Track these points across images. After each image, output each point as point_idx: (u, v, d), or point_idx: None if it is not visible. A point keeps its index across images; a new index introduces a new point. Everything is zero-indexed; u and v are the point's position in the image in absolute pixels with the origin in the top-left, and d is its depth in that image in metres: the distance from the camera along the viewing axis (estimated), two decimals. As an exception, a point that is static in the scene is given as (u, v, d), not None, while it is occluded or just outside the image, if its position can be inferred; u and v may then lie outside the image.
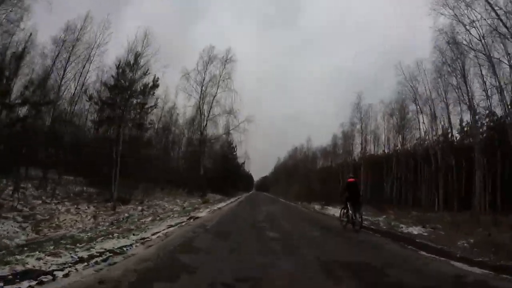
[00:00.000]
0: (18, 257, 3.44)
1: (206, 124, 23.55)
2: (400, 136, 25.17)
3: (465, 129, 19.44)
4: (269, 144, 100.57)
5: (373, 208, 21.05)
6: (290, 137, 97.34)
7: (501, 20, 11.82)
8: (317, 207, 21.69)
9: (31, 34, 12.86)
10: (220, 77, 24.07)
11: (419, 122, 21.80)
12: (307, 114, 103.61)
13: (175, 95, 24.68)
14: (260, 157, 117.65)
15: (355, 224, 8.17)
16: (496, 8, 11.97)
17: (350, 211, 8.42)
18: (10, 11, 11.11)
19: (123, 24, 56.15)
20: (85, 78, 15.97)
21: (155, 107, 15.52)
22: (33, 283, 2.55)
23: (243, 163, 39.47)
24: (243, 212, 13.27)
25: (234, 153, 35.55)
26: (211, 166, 35.41)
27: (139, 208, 10.93)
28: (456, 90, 16.25)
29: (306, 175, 42.70)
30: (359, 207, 8.39)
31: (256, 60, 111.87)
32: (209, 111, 23.75)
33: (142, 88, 13.57)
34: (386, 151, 28.06)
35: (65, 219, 8.71)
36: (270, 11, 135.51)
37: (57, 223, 8.28)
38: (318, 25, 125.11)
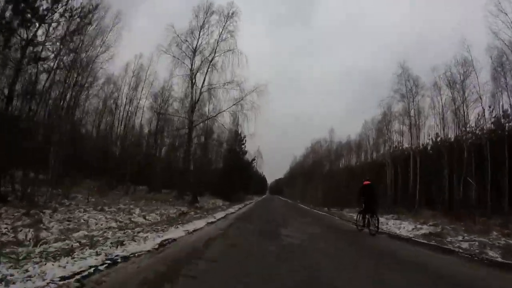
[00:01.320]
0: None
1: (199, 99, 17.05)
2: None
3: None
4: (284, 146, 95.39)
5: (446, 216, 14.09)
6: (307, 139, 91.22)
7: None
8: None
9: None
10: (220, 36, 17.51)
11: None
12: (322, 115, 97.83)
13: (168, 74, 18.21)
14: (274, 159, 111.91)
15: (371, 228, 8.13)
16: None
17: (367, 215, 8.35)
18: None
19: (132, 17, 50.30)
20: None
21: (79, 33, 8.98)
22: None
23: (254, 159, 32.77)
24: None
25: (243, 146, 28.89)
26: (215, 163, 29.30)
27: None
28: None
29: (329, 174, 35.56)
30: (376, 210, 8.38)
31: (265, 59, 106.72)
32: (204, 81, 17.30)
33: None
34: (440, 138, 20.87)
35: None
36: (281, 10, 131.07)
37: None
38: (333, 24, 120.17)
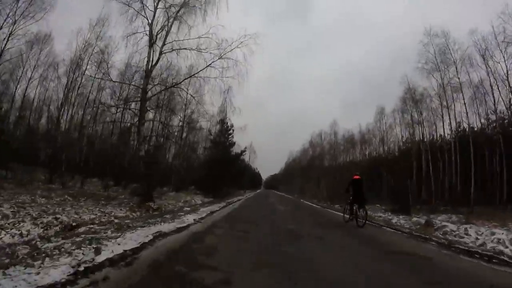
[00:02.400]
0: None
1: (158, 61, 11.43)
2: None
3: None
4: (280, 144, 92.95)
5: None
6: (304, 136, 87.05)
7: None
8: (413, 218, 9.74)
9: None
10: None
11: None
12: (320, 113, 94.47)
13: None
14: (270, 157, 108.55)
15: (359, 219, 8.17)
16: None
17: (355, 207, 8.39)
18: None
19: None
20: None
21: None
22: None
23: (244, 151, 27.24)
24: None
25: (230, 136, 23.42)
26: (203, 157, 24.16)
27: None
28: None
29: (335, 168, 30.59)
30: (364, 203, 8.34)
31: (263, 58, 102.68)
32: (166, 38, 11.61)
33: None
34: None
35: None
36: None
37: None
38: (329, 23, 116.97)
